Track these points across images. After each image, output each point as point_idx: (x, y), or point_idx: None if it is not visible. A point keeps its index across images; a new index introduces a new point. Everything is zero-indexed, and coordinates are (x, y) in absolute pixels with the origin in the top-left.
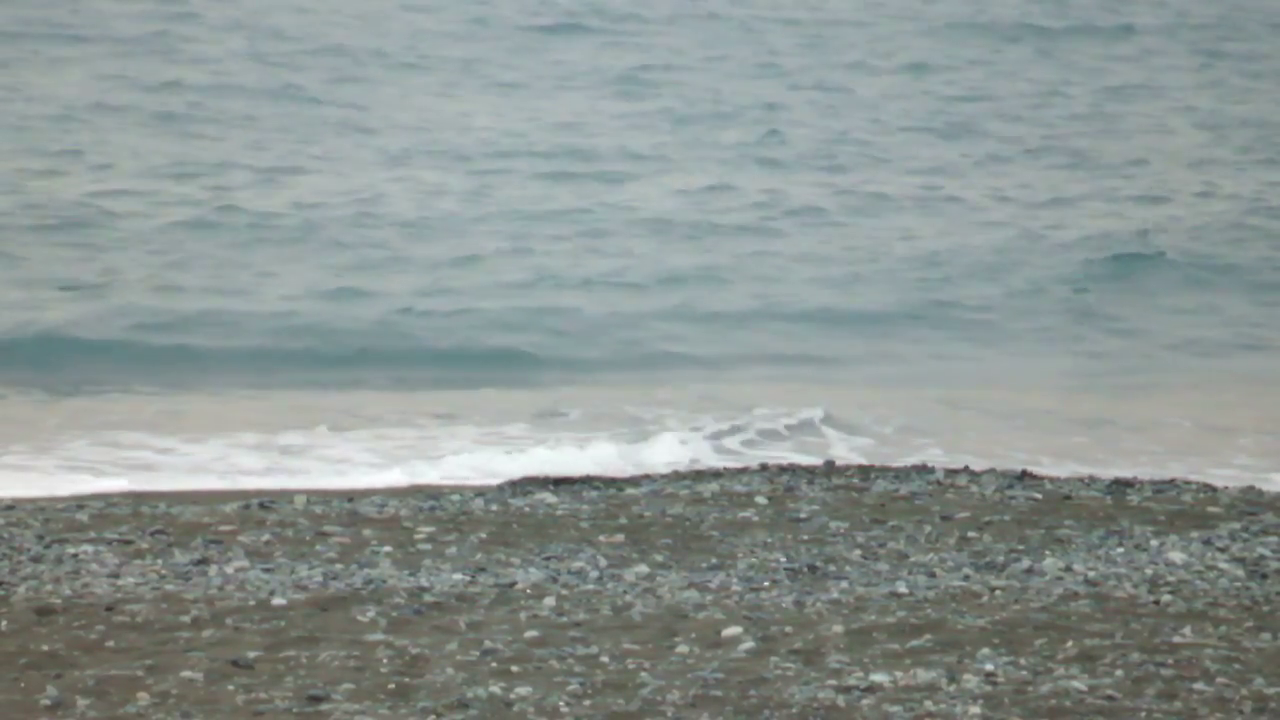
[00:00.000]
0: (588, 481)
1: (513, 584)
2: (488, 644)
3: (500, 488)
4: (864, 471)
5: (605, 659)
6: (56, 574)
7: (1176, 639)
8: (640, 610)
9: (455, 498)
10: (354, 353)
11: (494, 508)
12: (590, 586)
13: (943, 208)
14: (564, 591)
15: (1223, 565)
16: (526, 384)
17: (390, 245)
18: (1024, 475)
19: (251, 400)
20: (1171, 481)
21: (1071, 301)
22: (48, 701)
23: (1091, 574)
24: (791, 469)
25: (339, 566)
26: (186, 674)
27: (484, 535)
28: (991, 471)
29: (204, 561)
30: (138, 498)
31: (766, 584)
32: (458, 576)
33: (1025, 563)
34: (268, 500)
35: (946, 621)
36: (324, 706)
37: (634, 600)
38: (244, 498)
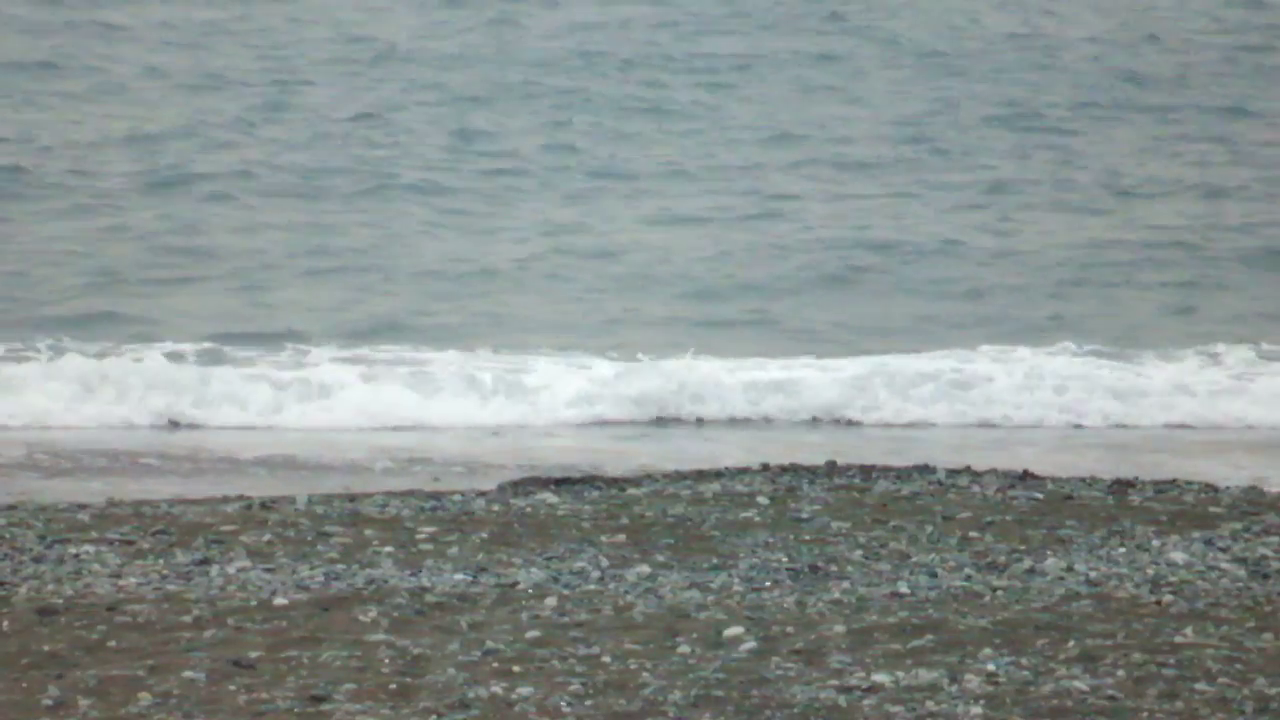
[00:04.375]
0: (589, 481)
1: (514, 584)
2: (489, 644)
3: (501, 488)
4: (865, 471)
5: (607, 659)
6: (58, 574)
7: (1178, 639)
8: (642, 610)
9: (457, 498)
10: None
11: (495, 508)
12: (592, 586)
13: None
14: (566, 592)
15: (1224, 565)
16: None
17: None
18: (1025, 475)
19: None
20: (1173, 482)
21: None
22: (49, 701)
23: (1093, 574)
24: (793, 469)
25: (341, 566)
26: (188, 674)
27: (485, 535)
28: (993, 472)
29: (206, 561)
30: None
31: (768, 584)
32: (459, 576)
33: (1027, 563)
34: (269, 500)
35: (948, 621)
36: (326, 706)
37: (636, 600)
38: None
